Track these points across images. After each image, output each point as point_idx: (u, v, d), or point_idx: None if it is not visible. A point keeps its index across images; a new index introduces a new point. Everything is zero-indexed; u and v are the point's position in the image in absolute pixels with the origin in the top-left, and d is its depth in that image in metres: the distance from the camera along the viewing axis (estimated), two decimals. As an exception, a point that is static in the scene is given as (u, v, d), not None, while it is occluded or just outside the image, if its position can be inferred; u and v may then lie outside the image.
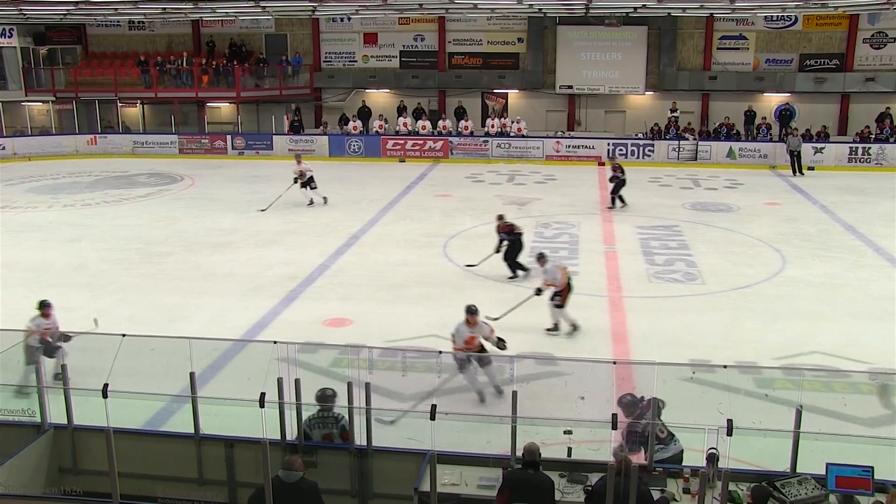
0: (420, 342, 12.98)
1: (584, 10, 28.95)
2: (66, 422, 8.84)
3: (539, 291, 13.58)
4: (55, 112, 34.77)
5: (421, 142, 32.10)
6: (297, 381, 8.19)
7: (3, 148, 32.96)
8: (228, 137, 33.17)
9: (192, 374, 8.53)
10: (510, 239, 16.40)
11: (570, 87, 33.20)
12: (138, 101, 34.99)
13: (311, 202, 23.43)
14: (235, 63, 34.17)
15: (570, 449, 7.92)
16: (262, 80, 34.81)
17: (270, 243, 19.53)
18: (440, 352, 8.95)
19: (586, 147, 31.38)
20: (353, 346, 11.72)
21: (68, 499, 8.07)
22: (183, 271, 17.49)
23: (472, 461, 7.90)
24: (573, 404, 8.43)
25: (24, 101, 34.84)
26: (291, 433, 8.34)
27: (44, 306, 11.69)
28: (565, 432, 7.83)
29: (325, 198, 23.70)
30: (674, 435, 8.37)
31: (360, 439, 8.10)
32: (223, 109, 35.00)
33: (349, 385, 8.09)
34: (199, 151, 33.01)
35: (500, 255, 16.43)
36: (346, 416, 8.32)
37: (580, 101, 33.87)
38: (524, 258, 16.67)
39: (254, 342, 12.30)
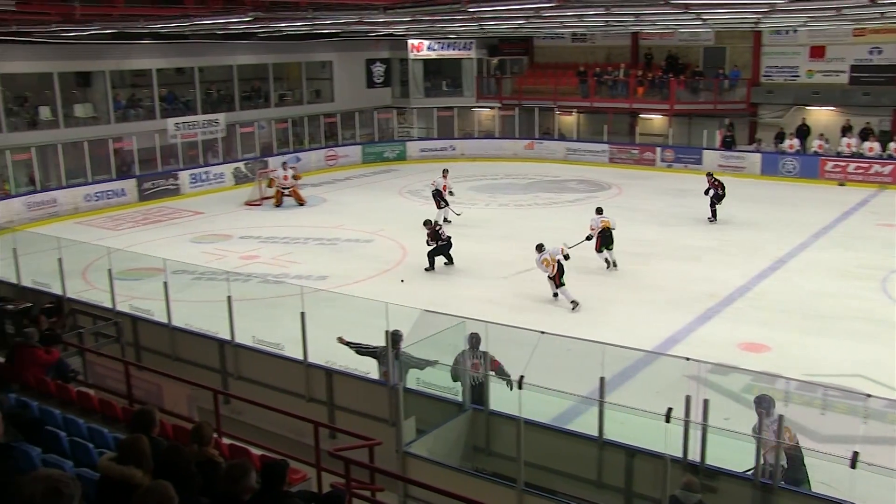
0: (844, 381, 11.93)
1: None
2: (483, 405, 9.54)
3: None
4: (499, 118, 37.58)
5: (866, 165, 29.36)
6: (705, 402, 7.98)
7: (454, 149, 36.47)
8: (658, 149, 33.27)
9: (601, 379, 8.72)
10: (441, 243, 18.78)
11: None
12: (574, 110, 36.50)
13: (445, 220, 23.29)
14: (671, 75, 34.15)
15: None
16: (697, 94, 34.34)
17: (693, 259, 19.24)
18: (868, 395, 8.11)
19: None
20: (769, 375, 11.14)
21: (478, 476, 8.67)
22: (604, 277, 17.94)
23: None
24: None
25: (474, 107, 38.21)
26: (694, 453, 8.16)
27: None
28: None
29: (445, 219, 23.33)
30: None
31: (767, 474, 7.66)
32: (655, 121, 35.17)
33: (760, 415, 7.70)
34: (628, 161, 33.54)
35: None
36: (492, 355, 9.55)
37: None
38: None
39: (666, 356, 12.23)
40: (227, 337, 12.09)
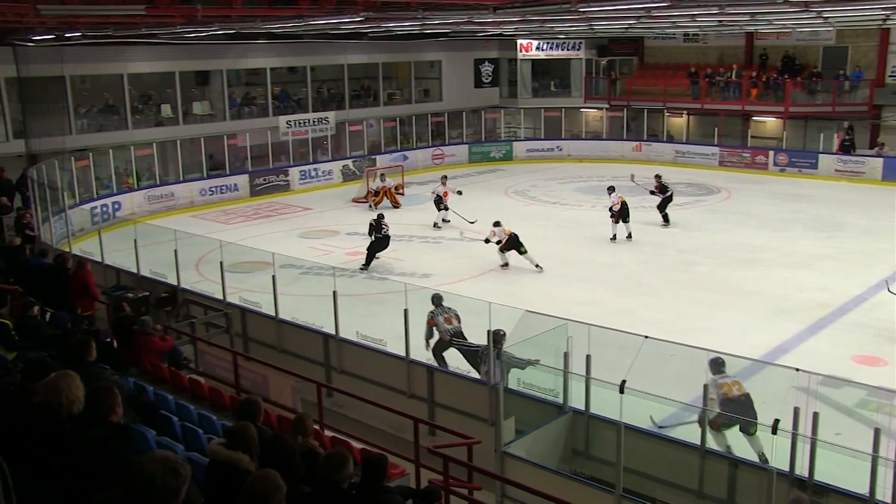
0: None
1: None
2: (584, 408, 9.46)
3: (487, 241, 19.06)
4: (607, 119, 37.11)
5: None
6: (815, 415, 7.72)
7: (560, 149, 36.22)
8: (771, 153, 32.22)
9: (705, 387, 8.55)
10: (378, 236, 19.20)
11: None
12: (684, 112, 35.74)
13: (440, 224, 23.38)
14: (787, 77, 33.05)
15: None
16: (814, 96, 33.12)
17: (804, 266, 18.58)
18: None
19: None
20: (888, 391, 10.66)
21: (576, 479, 8.61)
22: (710, 283, 17.52)
23: None
24: None
25: (582, 108, 37.85)
26: (802, 468, 7.89)
27: None
28: None
29: (442, 222, 23.43)
30: None
31: (884, 495, 7.35)
32: (768, 124, 34.11)
33: (876, 432, 7.39)
34: (739, 165, 32.62)
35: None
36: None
37: None
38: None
39: (773, 365, 11.85)
40: (332, 331, 12.34)
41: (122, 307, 11.66)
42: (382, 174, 27.27)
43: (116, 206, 24.78)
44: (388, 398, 10.56)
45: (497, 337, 10.42)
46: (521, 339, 9.65)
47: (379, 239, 19.15)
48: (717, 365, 9.72)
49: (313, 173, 30.45)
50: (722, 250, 20.06)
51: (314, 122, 30.74)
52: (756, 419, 9.18)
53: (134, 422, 6.04)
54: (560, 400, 9.61)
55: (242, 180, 28.49)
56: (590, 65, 38.43)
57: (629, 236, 21.19)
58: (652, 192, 23.09)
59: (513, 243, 18.52)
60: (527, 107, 37.84)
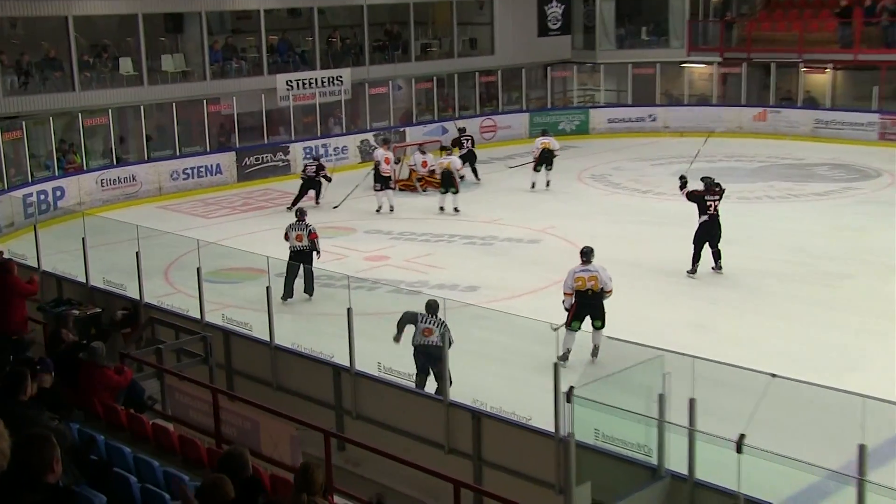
0: None
1: None
2: (686, 472, 9.31)
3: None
4: (719, 77, 36.61)
5: None
6: None
7: (654, 119, 36.02)
8: (954, 122, 31.70)
9: (861, 447, 8.33)
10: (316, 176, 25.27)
11: None
12: (829, 66, 35.06)
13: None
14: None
15: None
16: None
17: None
18: None
19: None
20: None
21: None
22: (865, 302, 17.19)
23: None
24: None
25: (684, 63, 37.32)
26: None
27: None
28: None
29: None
30: None
31: None
32: (952, 80, 33.50)
33: None
34: (907, 139, 32.09)
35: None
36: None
37: None
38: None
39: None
40: (345, 362, 12.33)
41: (62, 333, 11.73)
42: (423, 149, 27.19)
43: (59, 192, 25.09)
44: (420, 453, 10.53)
45: (433, 307, 12.29)
46: (602, 376, 9.56)
47: (311, 179, 25.05)
48: (586, 255, 14.16)
49: (322, 150, 30.51)
50: (882, 257, 19.67)
51: (323, 82, 30.83)
52: (603, 315, 13.35)
53: (77, 483, 6.04)
54: (654, 460, 9.48)
55: (227, 160, 28.76)
56: (696, 3, 38.01)
57: (543, 184, 26.64)
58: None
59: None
60: (609, 62, 37.59)
